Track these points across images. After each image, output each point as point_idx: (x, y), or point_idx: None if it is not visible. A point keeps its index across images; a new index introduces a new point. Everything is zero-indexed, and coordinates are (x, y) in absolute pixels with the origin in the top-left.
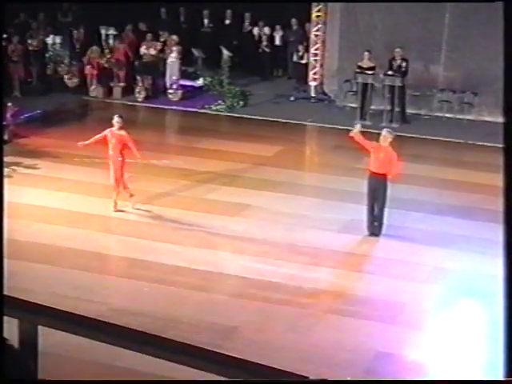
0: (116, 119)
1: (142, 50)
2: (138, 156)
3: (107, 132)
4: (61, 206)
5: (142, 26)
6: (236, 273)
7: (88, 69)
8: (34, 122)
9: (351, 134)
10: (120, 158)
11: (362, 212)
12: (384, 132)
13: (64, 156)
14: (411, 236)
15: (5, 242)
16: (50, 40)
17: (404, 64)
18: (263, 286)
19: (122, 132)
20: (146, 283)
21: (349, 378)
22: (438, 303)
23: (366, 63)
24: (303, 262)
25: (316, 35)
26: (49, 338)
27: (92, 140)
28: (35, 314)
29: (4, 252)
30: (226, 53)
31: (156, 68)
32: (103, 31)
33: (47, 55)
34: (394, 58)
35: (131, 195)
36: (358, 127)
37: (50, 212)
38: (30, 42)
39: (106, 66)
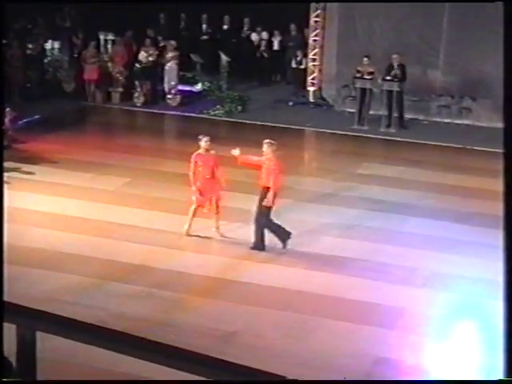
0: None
1: (141, 55)
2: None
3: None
4: (60, 212)
5: (141, 32)
6: (237, 278)
7: (87, 72)
8: (32, 128)
9: (235, 155)
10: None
11: (360, 217)
12: (264, 145)
13: (63, 161)
14: (409, 241)
15: (4, 247)
16: (48, 45)
17: (401, 70)
18: (262, 292)
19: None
20: (145, 288)
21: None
22: (436, 308)
23: (365, 68)
24: (302, 266)
25: (314, 40)
26: (46, 343)
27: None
28: (33, 319)
29: (3, 257)
30: (224, 58)
31: (154, 73)
32: (102, 36)
33: (46, 60)
34: (391, 64)
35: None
36: (236, 152)
37: (49, 217)
38: (29, 46)
39: (100, 64)
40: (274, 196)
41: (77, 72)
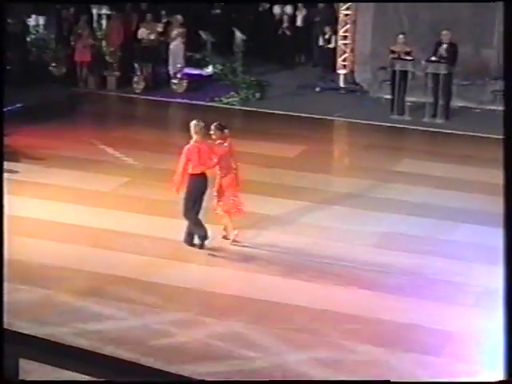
0: (214, 127)
1: (141, 32)
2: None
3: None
4: (46, 217)
5: (141, 5)
6: (250, 295)
7: (78, 53)
8: (14, 118)
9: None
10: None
11: (400, 224)
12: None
13: (49, 158)
14: (458, 252)
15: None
16: (32, 21)
17: (451, 50)
18: (283, 311)
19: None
20: (146, 308)
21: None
22: (490, 332)
23: (401, 47)
24: (330, 281)
25: (346, 14)
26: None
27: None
28: (16, 344)
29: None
30: (239, 36)
31: (157, 54)
32: (95, 10)
33: (29, 39)
34: (440, 42)
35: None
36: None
37: (34, 224)
38: (9, 22)
39: (93, 43)
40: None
41: (66, 53)
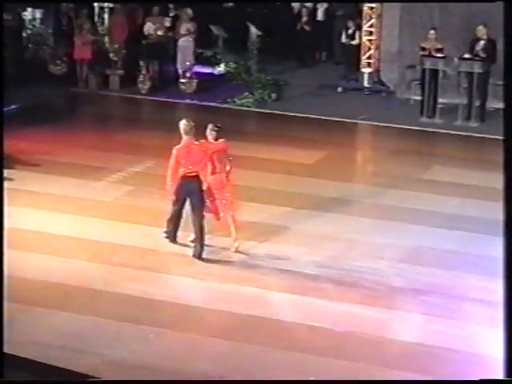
0: (210, 127)
1: (147, 27)
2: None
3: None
4: (43, 229)
5: None
6: (265, 315)
7: (78, 50)
8: (8, 121)
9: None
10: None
11: (430, 237)
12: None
13: (47, 164)
14: (496, 269)
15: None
16: (28, 15)
17: (489, 47)
18: (301, 332)
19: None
20: (153, 328)
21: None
22: None
23: (431, 44)
24: (354, 300)
25: (371, 8)
26: None
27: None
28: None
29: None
30: (254, 31)
31: (164, 51)
32: (97, 3)
33: (25, 34)
34: (477, 39)
35: None
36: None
37: (30, 236)
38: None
39: (94, 39)
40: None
41: (65, 50)
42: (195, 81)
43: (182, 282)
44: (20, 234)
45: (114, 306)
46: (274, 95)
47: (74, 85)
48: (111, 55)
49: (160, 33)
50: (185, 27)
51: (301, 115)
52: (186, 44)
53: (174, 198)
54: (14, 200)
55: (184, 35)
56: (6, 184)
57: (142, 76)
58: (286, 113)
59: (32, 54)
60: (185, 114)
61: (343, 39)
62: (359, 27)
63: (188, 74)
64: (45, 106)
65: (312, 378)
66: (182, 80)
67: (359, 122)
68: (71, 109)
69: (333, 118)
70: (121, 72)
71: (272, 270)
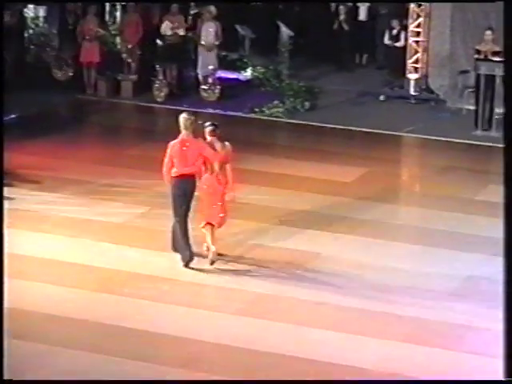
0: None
1: (165, 27)
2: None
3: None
4: (46, 255)
5: None
6: (293, 353)
7: (85, 52)
8: (7, 131)
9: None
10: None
11: (484, 266)
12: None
13: (50, 181)
14: None
15: None
16: (30, 12)
17: None
18: (341, 373)
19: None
20: (165, 368)
21: None
22: None
23: (488, 46)
24: (397, 338)
25: (418, 5)
26: None
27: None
28: None
29: None
30: (285, 31)
31: (184, 53)
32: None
33: (27, 34)
34: None
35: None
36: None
37: (32, 263)
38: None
39: (104, 40)
40: None
41: (71, 51)
42: (218, 87)
43: (199, 315)
44: (19, 260)
45: (124, 343)
46: (307, 104)
47: (81, 91)
48: (123, 58)
49: (179, 33)
50: (207, 27)
51: (338, 127)
52: (208, 46)
53: (171, 199)
54: (12, 222)
55: (206, 36)
56: (5, 204)
57: (158, 82)
58: (321, 124)
59: (34, 57)
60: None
61: (387, 40)
62: (405, 27)
63: (210, 80)
64: (48, 115)
65: None
66: (204, 87)
67: (404, 134)
68: (77, 118)
69: (374, 130)
70: (134, 77)
71: (303, 300)
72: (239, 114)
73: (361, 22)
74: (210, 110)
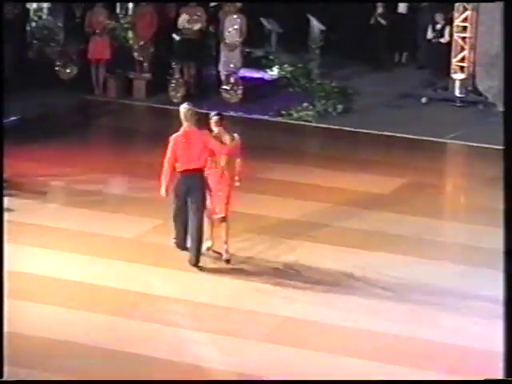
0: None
1: (182, 20)
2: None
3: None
4: (49, 273)
5: None
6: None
7: (93, 47)
8: (7, 135)
9: None
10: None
11: None
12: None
13: (54, 191)
14: None
15: None
16: (33, 4)
17: None
18: None
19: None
20: None
21: None
22: None
23: None
24: (441, 370)
25: None
26: None
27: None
28: None
29: None
30: (316, 25)
31: (203, 50)
32: None
33: (29, 28)
34: None
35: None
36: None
37: (34, 282)
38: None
39: (114, 34)
40: None
41: (78, 47)
42: (241, 88)
43: (221, 342)
44: (17, 278)
45: (135, 371)
46: (340, 107)
47: (89, 91)
48: (136, 55)
49: (198, 27)
50: (230, 21)
51: (374, 132)
52: (230, 42)
53: (173, 195)
54: (13, 236)
55: (228, 31)
56: (5, 216)
57: (174, 81)
58: (356, 129)
59: (37, 53)
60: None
61: (429, 36)
62: (450, 21)
63: (233, 80)
64: (51, 118)
65: None
66: (225, 87)
67: (448, 141)
68: (84, 122)
69: (415, 137)
70: (148, 76)
71: (334, 328)
72: (264, 117)
73: (400, 15)
74: (232, 113)
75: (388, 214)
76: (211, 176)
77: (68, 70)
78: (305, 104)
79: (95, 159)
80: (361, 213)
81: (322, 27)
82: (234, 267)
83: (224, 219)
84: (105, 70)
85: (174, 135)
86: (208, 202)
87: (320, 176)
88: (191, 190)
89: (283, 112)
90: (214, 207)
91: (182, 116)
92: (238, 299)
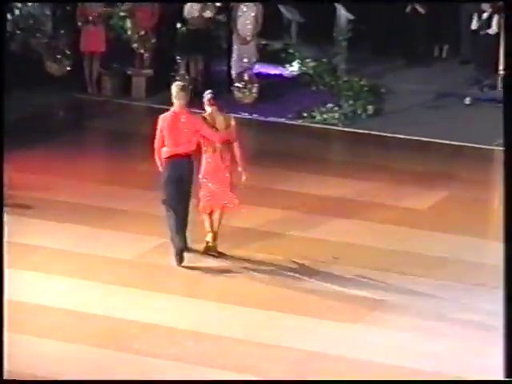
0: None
1: (188, 8)
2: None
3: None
4: (36, 300)
5: None
6: None
7: (86, 39)
8: None
9: None
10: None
11: None
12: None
13: (42, 204)
14: None
15: None
16: None
17: None
18: None
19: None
20: None
21: None
22: None
23: None
24: None
25: None
26: None
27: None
28: None
29: None
30: (344, 14)
31: (212, 42)
32: None
33: (11, 17)
34: None
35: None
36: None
37: (19, 311)
38: None
39: (110, 24)
40: None
41: (69, 39)
42: (256, 86)
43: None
44: (8, 307)
45: None
46: (370, 108)
47: (81, 89)
48: (135, 47)
49: (206, 15)
50: (243, 8)
51: (410, 137)
52: (243, 33)
53: (163, 184)
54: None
55: (240, 20)
56: None
57: (178, 78)
58: (389, 134)
59: (21, 45)
60: (240, 135)
61: (474, 27)
62: (497, 10)
63: (246, 77)
64: (38, 121)
65: None
66: (238, 85)
67: (496, 148)
68: (76, 124)
69: (457, 143)
70: (148, 72)
71: (362, 365)
72: (282, 120)
73: (441, 2)
74: (246, 115)
75: (425, 232)
76: (212, 162)
77: (57, 65)
78: (329, 105)
79: (88, 168)
80: (393, 230)
81: (350, 16)
82: (245, 292)
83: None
84: (99, 65)
85: (162, 115)
86: (201, 194)
87: (347, 188)
88: (180, 177)
89: (304, 114)
90: (223, 197)
91: (173, 94)
92: (251, 330)
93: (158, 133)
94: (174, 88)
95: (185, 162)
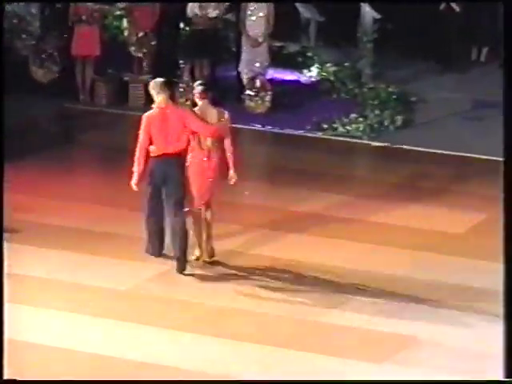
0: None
1: (192, 7)
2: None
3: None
4: (24, 338)
5: None
6: None
7: (77, 41)
8: None
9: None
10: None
11: None
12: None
13: (29, 228)
14: None
15: None
16: None
17: None
18: None
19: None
20: None
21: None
22: None
23: None
24: None
25: None
26: None
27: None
28: None
29: None
30: (369, 12)
31: (220, 44)
32: None
33: None
34: None
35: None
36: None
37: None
38: None
39: (104, 25)
40: None
41: (59, 41)
42: (270, 93)
43: None
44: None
45: None
46: (399, 118)
47: (72, 98)
48: (132, 50)
49: (212, 15)
50: (255, 9)
51: (444, 152)
52: (254, 34)
53: (146, 183)
54: None
55: (252, 20)
56: None
57: (182, 84)
58: (419, 148)
59: (6, 48)
60: (251, 148)
61: None
62: None
63: (258, 83)
64: (24, 133)
65: None
66: (249, 92)
67: None
68: (66, 137)
69: (498, 158)
70: (147, 78)
71: None
72: (299, 132)
73: (478, 1)
74: (258, 127)
75: (461, 259)
76: (195, 159)
77: (45, 71)
78: (353, 115)
79: (78, 187)
80: (426, 257)
81: (376, 15)
82: (260, 325)
83: (207, 208)
84: (92, 71)
85: (146, 113)
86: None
87: (373, 209)
88: (168, 178)
89: (325, 125)
90: (199, 197)
91: (154, 89)
92: (266, 370)
93: (141, 133)
94: (157, 83)
95: (173, 161)
